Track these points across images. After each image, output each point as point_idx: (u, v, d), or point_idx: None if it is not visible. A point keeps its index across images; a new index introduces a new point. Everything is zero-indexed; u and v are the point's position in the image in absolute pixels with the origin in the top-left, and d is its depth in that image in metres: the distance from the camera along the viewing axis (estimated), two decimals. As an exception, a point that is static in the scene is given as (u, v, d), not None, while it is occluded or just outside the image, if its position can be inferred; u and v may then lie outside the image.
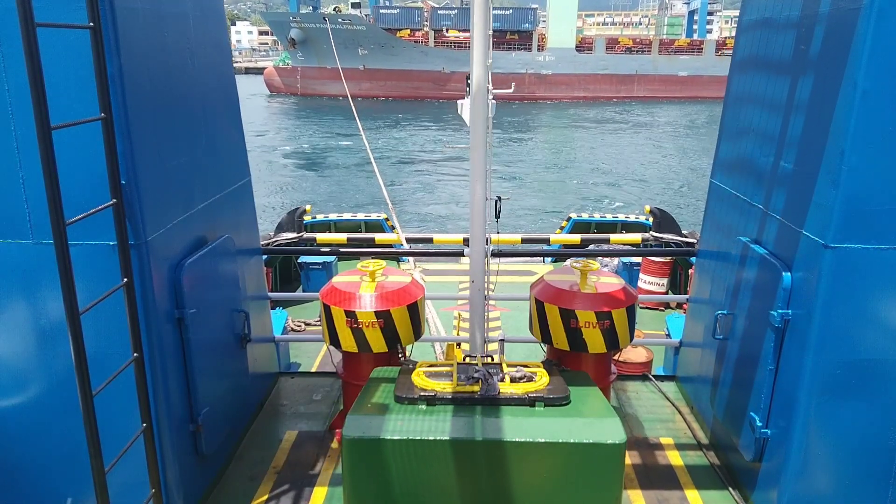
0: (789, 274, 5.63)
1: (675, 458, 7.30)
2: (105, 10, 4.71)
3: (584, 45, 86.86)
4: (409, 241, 13.01)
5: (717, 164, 7.79)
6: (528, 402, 5.42)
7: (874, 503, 5.58)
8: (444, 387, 5.54)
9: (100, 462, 4.26)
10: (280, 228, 14.95)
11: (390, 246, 13.19)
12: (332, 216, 17.89)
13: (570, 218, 18.46)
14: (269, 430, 7.84)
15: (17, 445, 5.62)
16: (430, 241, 12.98)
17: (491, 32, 6.23)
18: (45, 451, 5.62)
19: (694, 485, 6.83)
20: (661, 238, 14.24)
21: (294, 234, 13.18)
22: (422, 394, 5.47)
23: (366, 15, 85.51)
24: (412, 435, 5.08)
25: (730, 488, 6.72)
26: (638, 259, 15.00)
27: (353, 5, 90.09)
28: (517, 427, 5.17)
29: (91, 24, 4.34)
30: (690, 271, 12.80)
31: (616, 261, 15.22)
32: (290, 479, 6.91)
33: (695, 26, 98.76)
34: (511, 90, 6.73)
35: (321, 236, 13.35)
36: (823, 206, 5.20)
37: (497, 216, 6.81)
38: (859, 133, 4.91)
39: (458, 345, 8.13)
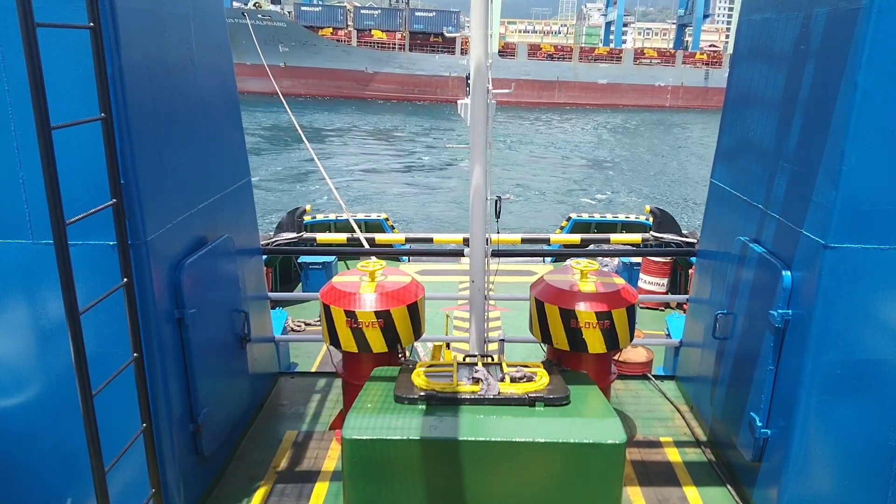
0: (789, 274, 5.63)
1: (674, 458, 7.30)
2: (105, 10, 4.70)
3: (506, 51, 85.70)
4: (409, 240, 13.01)
5: (716, 164, 7.79)
6: (528, 402, 5.42)
7: (874, 503, 5.59)
8: (444, 387, 5.55)
9: (100, 462, 4.26)
10: (280, 228, 14.96)
11: (390, 246, 13.19)
12: (332, 216, 17.91)
13: (570, 218, 18.45)
14: (269, 430, 7.83)
15: (17, 445, 5.61)
16: (430, 240, 12.97)
17: (491, 31, 6.24)
18: (45, 451, 5.61)
19: (694, 484, 6.83)
20: (662, 238, 14.26)
21: (294, 234, 13.20)
22: (421, 394, 5.47)
23: (288, 12, 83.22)
24: (412, 435, 5.08)
25: (729, 488, 6.72)
26: (638, 259, 15.01)
27: (274, 1, 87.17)
28: (517, 427, 5.17)
29: (91, 24, 4.34)
30: (690, 271, 12.80)
31: (616, 261, 15.22)
32: (290, 480, 6.91)
33: (611, 37, 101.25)
34: (511, 90, 6.73)
35: (321, 236, 13.37)
36: (823, 206, 5.20)
37: (497, 216, 6.82)
38: (859, 133, 4.91)
39: (448, 345, 8.12)
